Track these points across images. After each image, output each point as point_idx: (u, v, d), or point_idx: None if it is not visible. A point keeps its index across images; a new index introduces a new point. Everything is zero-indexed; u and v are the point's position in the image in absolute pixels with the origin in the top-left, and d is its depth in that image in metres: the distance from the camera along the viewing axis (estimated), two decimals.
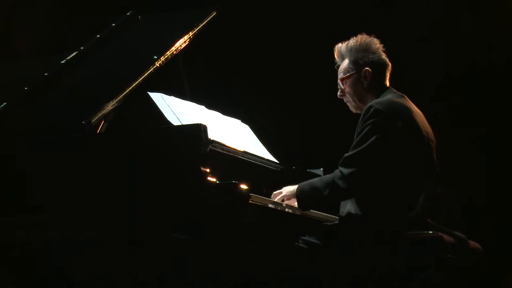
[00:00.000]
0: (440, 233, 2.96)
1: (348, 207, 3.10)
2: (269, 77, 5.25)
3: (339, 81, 3.33)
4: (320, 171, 3.77)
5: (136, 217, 3.03)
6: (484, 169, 4.77)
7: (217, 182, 2.96)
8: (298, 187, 3.16)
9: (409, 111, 3.13)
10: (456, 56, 4.98)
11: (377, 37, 3.34)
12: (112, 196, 3.08)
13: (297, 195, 3.14)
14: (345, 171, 3.01)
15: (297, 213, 3.23)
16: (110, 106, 3.22)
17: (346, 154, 3.05)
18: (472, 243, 3.12)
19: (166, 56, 3.51)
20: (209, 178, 2.96)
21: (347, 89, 3.29)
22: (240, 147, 3.44)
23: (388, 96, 3.20)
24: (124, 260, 3.07)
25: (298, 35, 5.17)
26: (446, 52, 5.01)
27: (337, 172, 3.05)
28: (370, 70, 3.25)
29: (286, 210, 3.21)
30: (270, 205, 3.15)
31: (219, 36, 4.66)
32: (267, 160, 3.61)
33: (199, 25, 3.73)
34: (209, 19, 3.80)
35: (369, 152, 2.99)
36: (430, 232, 2.95)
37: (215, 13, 3.83)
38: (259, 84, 5.25)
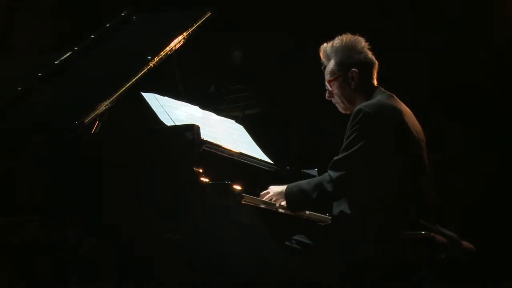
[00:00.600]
0: (432, 233, 2.96)
1: (341, 208, 3.10)
2: (264, 77, 5.26)
3: (326, 82, 3.31)
4: (314, 171, 3.77)
5: (129, 217, 3.03)
6: (477, 168, 4.78)
7: (210, 182, 2.97)
8: (286, 188, 3.16)
9: (399, 112, 3.12)
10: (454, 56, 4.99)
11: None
12: (104, 196, 3.08)
13: (286, 196, 3.14)
14: (334, 174, 3.02)
15: (290, 213, 3.24)
16: (103, 107, 3.21)
17: (335, 158, 3.05)
18: (465, 243, 3.11)
19: (160, 56, 3.49)
20: (202, 179, 2.96)
21: (335, 91, 3.27)
22: (234, 148, 3.44)
23: (377, 97, 3.17)
24: (118, 260, 3.07)
25: (292, 35, 5.17)
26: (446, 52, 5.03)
27: (326, 175, 3.06)
28: (357, 70, 3.22)
29: (279, 210, 3.22)
30: (262, 206, 3.16)
31: (213, 36, 4.66)
32: (261, 160, 3.60)
33: (193, 26, 3.71)
34: (203, 19, 3.79)
35: (358, 156, 2.99)
36: (423, 232, 2.95)
37: (210, 14, 3.82)
38: (253, 84, 5.26)
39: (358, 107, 3.08)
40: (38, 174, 3.22)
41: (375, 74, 3.28)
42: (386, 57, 3.37)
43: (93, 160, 3.17)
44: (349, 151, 3.01)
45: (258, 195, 3.26)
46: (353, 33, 3.31)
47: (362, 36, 3.30)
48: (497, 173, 4.78)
